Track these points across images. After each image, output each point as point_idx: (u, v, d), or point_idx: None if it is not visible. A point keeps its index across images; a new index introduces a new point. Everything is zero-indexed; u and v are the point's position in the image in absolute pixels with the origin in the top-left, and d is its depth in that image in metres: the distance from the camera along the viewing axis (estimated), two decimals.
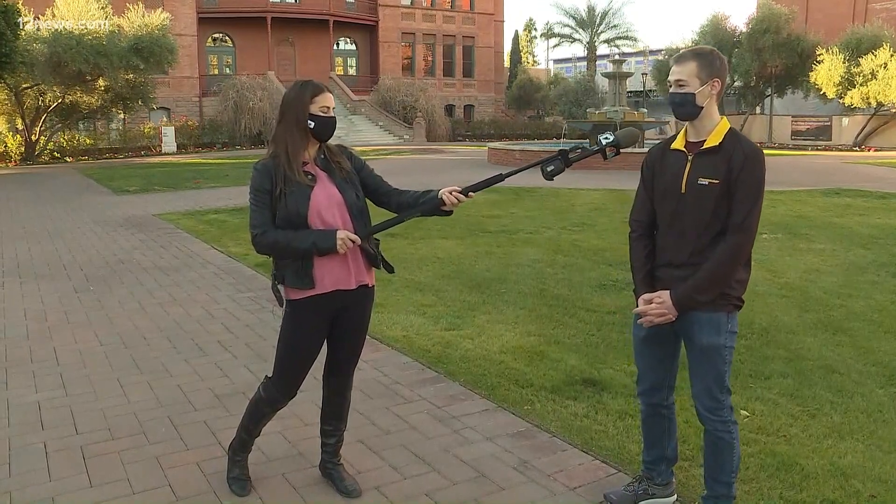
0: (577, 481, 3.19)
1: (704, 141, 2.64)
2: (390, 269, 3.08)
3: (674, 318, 2.67)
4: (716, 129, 2.64)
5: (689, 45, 34.48)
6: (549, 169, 2.74)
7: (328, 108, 2.86)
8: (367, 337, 5.18)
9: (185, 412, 3.99)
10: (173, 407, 4.06)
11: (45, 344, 5.24)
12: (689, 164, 2.65)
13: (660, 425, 2.96)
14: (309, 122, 2.83)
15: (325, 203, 2.83)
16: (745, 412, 3.82)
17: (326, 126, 2.86)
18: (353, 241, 2.77)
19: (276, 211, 2.82)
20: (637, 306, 2.78)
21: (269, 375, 3.02)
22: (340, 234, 2.75)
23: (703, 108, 2.62)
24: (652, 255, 2.80)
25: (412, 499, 3.07)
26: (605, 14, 50.47)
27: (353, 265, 2.93)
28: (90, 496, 3.10)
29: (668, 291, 2.66)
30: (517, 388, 4.27)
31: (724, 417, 2.70)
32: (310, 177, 2.85)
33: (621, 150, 2.81)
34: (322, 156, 2.95)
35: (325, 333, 2.98)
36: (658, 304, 2.66)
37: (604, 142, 2.75)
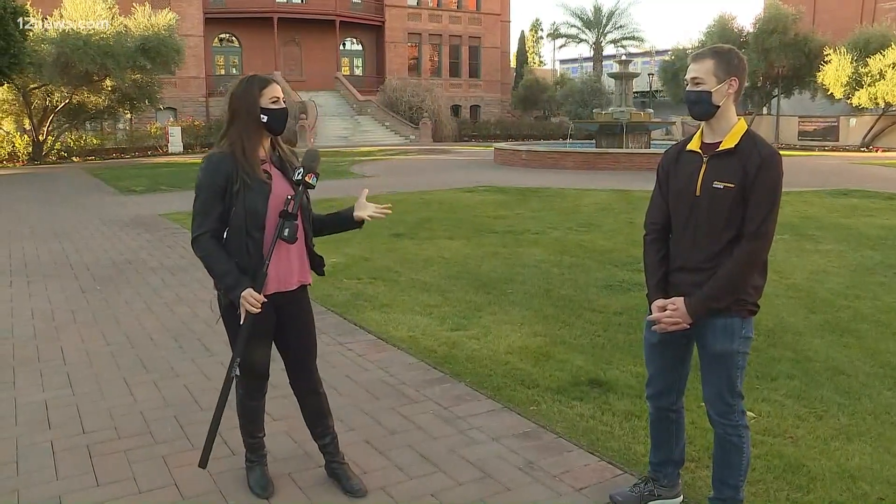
0: (582, 482, 3.19)
1: (720, 142, 2.60)
2: (322, 273, 3.10)
3: (688, 326, 2.63)
4: (732, 130, 2.59)
5: (696, 45, 34.43)
6: (285, 233, 2.78)
7: (277, 98, 2.84)
8: (373, 336, 5.24)
9: (192, 412, 4.00)
10: (180, 406, 4.07)
11: (52, 343, 5.25)
12: (704, 166, 2.61)
13: (668, 428, 2.94)
14: (262, 116, 2.81)
15: (282, 203, 2.83)
16: (751, 413, 3.80)
17: (278, 117, 2.84)
18: (252, 307, 2.73)
19: (229, 206, 2.79)
20: (650, 311, 2.74)
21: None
22: (246, 294, 2.73)
23: (719, 107, 2.58)
24: (666, 259, 2.76)
25: (418, 499, 3.07)
26: (611, 14, 50.32)
27: (297, 265, 2.95)
28: (97, 495, 3.10)
29: (682, 299, 2.62)
30: (523, 389, 4.26)
31: (734, 421, 2.69)
32: (267, 175, 2.84)
33: (318, 173, 2.89)
34: (277, 154, 2.95)
35: (272, 320, 2.95)
36: (672, 312, 2.62)
37: (298, 177, 2.84)
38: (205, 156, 2.90)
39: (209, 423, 3.78)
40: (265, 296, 2.82)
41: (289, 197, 2.81)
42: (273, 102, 2.82)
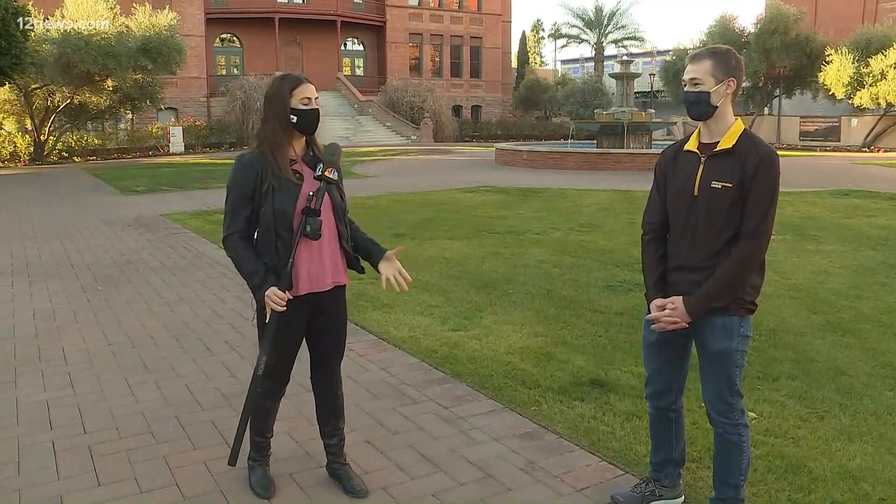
0: (584, 482, 3.19)
1: (718, 142, 2.61)
2: (362, 270, 3.09)
3: (687, 326, 2.64)
4: (730, 130, 2.60)
5: (697, 45, 34.37)
6: (307, 230, 2.78)
7: (309, 99, 2.82)
8: (374, 337, 5.24)
9: (193, 412, 4.00)
10: (181, 406, 4.07)
11: (54, 343, 5.26)
12: (701, 166, 2.62)
13: (667, 428, 2.95)
14: (291, 116, 2.80)
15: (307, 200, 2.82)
16: (752, 414, 3.80)
17: (309, 118, 2.83)
18: (277, 305, 2.74)
19: (258, 207, 2.80)
20: (649, 311, 2.75)
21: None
22: (269, 292, 2.73)
23: (717, 107, 2.59)
24: (664, 259, 2.77)
25: (419, 499, 3.07)
26: (612, 14, 50.34)
27: (330, 265, 2.93)
28: (98, 495, 3.11)
29: (680, 298, 2.62)
30: (524, 389, 4.26)
31: (734, 420, 2.69)
32: (298, 175, 2.84)
33: (339, 168, 2.90)
34: (311, 153, 2.94)
35: (303, 324, 2.97)
36: (671, 311, 2.63)
37: (319, 173, 2.84)
38: (237, 156, 2.92)
39: (211, 422, 3.82)
40: (298, 297, 2.83)
41: (311, 193, 2.81)
42: (304, 103, 2.81)
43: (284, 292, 2.75)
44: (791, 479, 3.17)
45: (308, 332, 3.03)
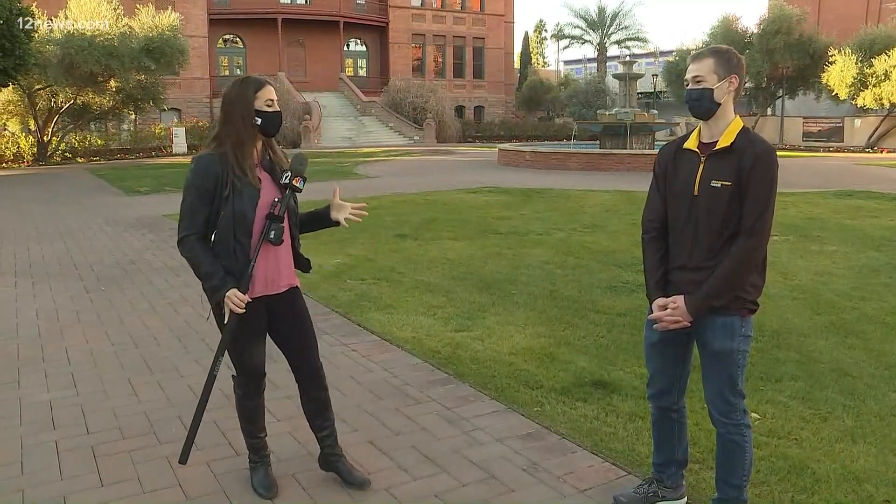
0: (586, 483, 3.18)
1: (717, 141, 2.61)
2: (308, 270, 3.11)
3: (689, 325, 2.64)
4: (728, 128, 2.61)
5: (700, 46, 34.34)
6: (271, 235, 2.80)
7: (272, 101, 2.85)
8: (377, 337, 5.25)
9: None
10: (183, 407, 4.07)
11: (57, 343, 5.26)
12: (702, 166, 2.62)
13: (670, 428, 2.94)
14: (256, 118, 2.81)
15: (269, 207, 2.83)
16: (755, 415, 3.80)
17: (273, 121, 2.85)
18: (237, 307, 2.74)
19: (217, 210, 2.79)
20: (651, 310, 2.75)
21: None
22: (230, 294, 2.73)
23: (720, 104, 2.60)
24: (665, 258, 2.76)
25: (422, 499, 3.07)
26: (615, 15, 50.41)
27: (285, 269, 2.96)
28: (101, 495, 3.11)
29: (682, 297, 2.62)
30: (527, 390, 4.26)
31: (736, 421, 2.68)
32: (258, 179, 2.85)
33: (306, 177, 2.90)
34: (268, 157, 2.95)
35: (262, 322, 2.97)
36: (672, 310, 2.63)
37: (286, 180, 2.85)
38: (194, 157, 2.90)
39: (213, 423, 3.82)
40: (253, 298, 2.83)
41: (276, 200, 2.83)
42: (268, 105, 2.83)
43: (244, 294, 2.77)
44: (794, 481, 3.17)
45: (274, 337, 3.05)
